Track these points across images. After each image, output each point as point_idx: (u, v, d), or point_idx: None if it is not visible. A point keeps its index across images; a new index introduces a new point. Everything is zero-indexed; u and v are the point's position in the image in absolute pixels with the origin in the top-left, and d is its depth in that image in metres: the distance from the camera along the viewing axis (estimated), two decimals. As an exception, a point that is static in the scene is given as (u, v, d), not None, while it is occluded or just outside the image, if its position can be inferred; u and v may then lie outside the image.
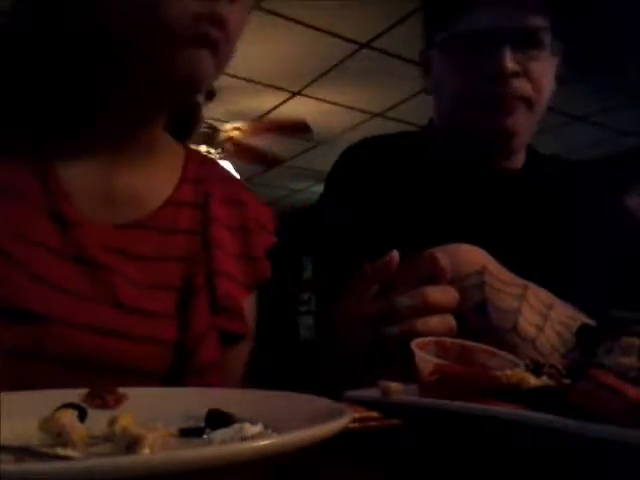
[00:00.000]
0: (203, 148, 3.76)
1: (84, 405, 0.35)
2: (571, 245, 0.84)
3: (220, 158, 3.87)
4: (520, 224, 0.86)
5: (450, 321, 0.56)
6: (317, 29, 2.86)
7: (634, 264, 0.83)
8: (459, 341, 0.51)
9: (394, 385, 0.40)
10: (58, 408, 0.32)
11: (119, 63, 0.57)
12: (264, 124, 3.84)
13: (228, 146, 3.94)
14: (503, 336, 0.58)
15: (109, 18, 0.55)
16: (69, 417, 0.30)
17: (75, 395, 0.36)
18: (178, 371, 0.57)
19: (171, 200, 0.65)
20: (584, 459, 0.30)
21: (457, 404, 0.34)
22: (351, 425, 0.30)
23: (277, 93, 3.59)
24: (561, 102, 3.63)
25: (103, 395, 0.37)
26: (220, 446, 0.27)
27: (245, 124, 3.81)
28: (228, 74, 3.32)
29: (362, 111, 3.77)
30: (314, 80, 3.39)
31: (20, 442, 0.30)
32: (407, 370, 0.45)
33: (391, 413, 0.43)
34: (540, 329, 0.58)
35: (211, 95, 0.70)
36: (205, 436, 0.33)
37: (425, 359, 0.44)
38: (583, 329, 0.48)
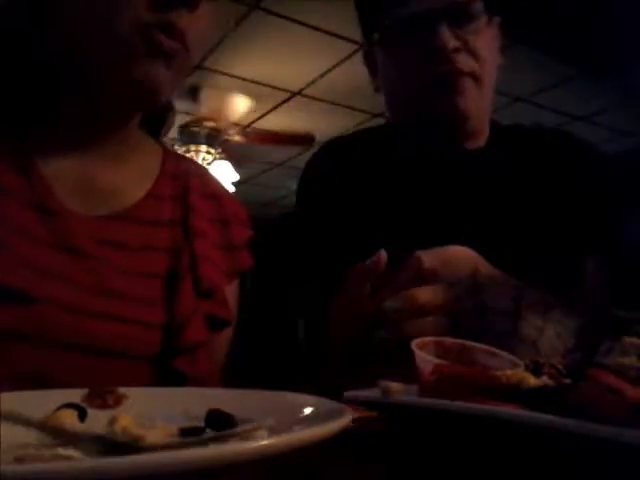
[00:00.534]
0: (203, 148, 3.76)
1: (84, 405, 0.35)
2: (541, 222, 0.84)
3: (220, 158, 3.87)
4: (490, 201, 0.85)
5: (442, 321, 0.56)
6: (318, 29, 2.86)
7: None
8: (459, 341, 0.51)
9: (394, 385, 0.40)
10: (58, 408, 0.32)
11: (82, 74, 0.59)
12: (269, 134, 3.84)
13: (248, 131, 3.88)
14: (503, 339, 0.58)
15: (70, 33, 0.57)
16: (69, 417, 0.30)
17: (75, 395, 0.36)
18: (166, 353, 0.59)
19: (151, 193, 0.67)
20: (584, 459, 0.30)
21: (457, 404, 0.34)
22: (351, 425, 0.30)
23: (277, 93, 3.59)
24: (561, 102, 3.64)
25: (103, 395, 0.37)
26: (220, 446, 0.27)
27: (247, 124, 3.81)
28: (228, 74, 3.33)
29: (362, 111, 3.77)
30: (314, 80, 3.40)
31: (20, 442, 0.30)
32: (407, 370, 0.45)
33: (391, 413, 0.43)
34: (540, 330, 0.58)
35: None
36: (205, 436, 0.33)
37: (425, 359, 0.44)
38: (583, 329, 0.48)
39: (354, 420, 0.31)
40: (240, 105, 3.71)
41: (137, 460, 0.22)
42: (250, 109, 3.78)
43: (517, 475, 0.34)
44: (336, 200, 0.88)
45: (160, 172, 0.69)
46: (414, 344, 0.47)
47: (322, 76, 3.34)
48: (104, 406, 0.36)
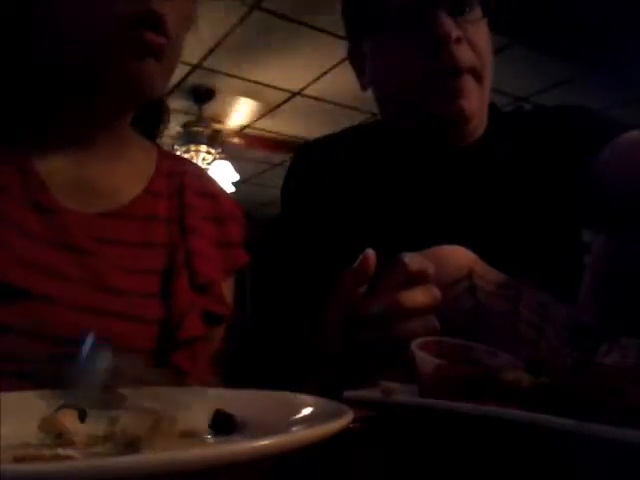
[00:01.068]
0: (203, 148, 3.76)
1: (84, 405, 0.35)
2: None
3: (220, 158, 3.87)
4: (487, 199, 0.82)
5: (432, 322, 0.56)
6: (317, 30, 2.86)
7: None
8: (459, 341, 0.51)
9: (394, 385, 0.40)
10: (58, 408, 0.32)
11: (73, 74, 0.59)
12: (267, 140, 3.84)
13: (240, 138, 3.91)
14: (502, 339, 0.58)
15: (56, 34, 0.57)
16: (69, 417, 0.30)
17: (75, 395, 0.36)
18: (165, 348, 0.60)
19: (147, 190, 0.67)
20: (584, 459, 0.30)
21: (457, 404, 0.34)
22: (351, 425, 0.30)
23: (277, 93, 3.59)
24: (561, 102, 3.63)
25: (104, 395, 0.37)
26: (220, 446, 0.27)
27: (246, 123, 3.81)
28: (228, 74, 3.33)
29: (362, 111, 3.77)
30: (314, 80, 3.40)
31: (20, 442, 0.30)
32: (407, 370, 0.45)
33: (391, 413, 0.43)
34: (539, 330, 0.58)
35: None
36: (206, 436, 0.33)
37: (425, 359, 0.44)
38: (583, 329, 0.48)
39: (354, 420, 0.31)
40: (240, 105, 3.71)
41: (137, 460, 0.23)
42: (250, 110, 3.78)
43: (517, 475, 0.34)
44: (326, 200, 0.86)
45: (155, 170, 0.70)
46: (414, 344, 0.47)
47: (323, 75, 3.34)
48: (104, 406, 0.36)
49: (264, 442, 0.24)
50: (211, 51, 3.03)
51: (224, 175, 3.78)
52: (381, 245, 0.58)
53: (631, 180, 0.70)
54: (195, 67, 3.21)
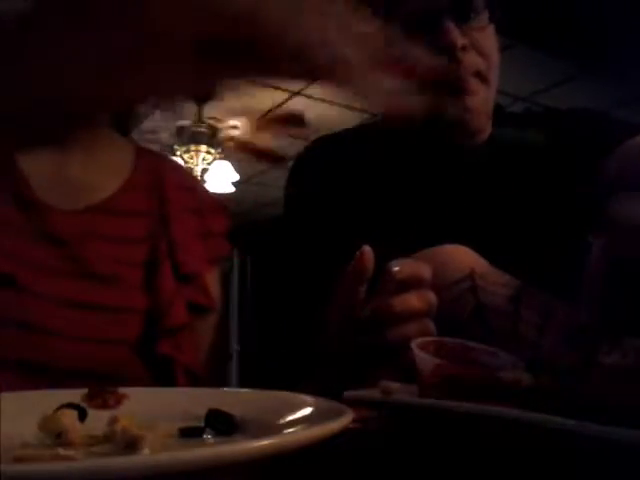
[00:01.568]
0: (203, 148, 3.76)
1: (84, 405, 0.35)
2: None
3: (220, 158, 3.86)
4: (489, 199, 0.82)
5: (427, 326, 0.56)
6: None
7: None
8: (459, 341, 0.51)
9: (394, 385, 0.40)
10: (58, 408, 0.32)
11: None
12: (261, 121, 3.83)
13: (228, 144, 3.94)
14: (502, 339, 0.57)
15: None
16: (69, 417, 0.30)
17: (75, 395, 0.36)
18: (150, 337, 0.61)
19: (126, 186, 0.69)
20: (584, 459, 0.30)
21: (457, 404, 0.34)
22: (351, 425, 0.30)
23: (277, 93, 3.59)
24: (561, 102, 3.63)
25: (103, 395, 0.37)
26: (220, 446, 0.27)
27: (243, 122, 3.81)
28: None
29: (362, 111, 3.77)
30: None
31: (20, 442, 0.30)
32: (407, 370, 0.45)
33: (391, 413, 0.43)
34: (540, 330, 0.58)
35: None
36: (206, 436, 0.33)
37: (425, 359, 0.44)
38: (583, 329, 0.48)
39: (354, 420, 0.31)
40: (239, 104, 3.70)
41: (137, 460, 0.23)
42: (249, 108, 3.77)
43: (517, 475, 0.34)
44: (329, 200, 0.86)
45: (134, 167, 0.72)
46: (414, 344, 0.47)
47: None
48: (104, 406, 0.36)
49: (264, 442, 0.24)
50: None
51: (224, 175, 3.78)
52: (384, 245, 0.58)
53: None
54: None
